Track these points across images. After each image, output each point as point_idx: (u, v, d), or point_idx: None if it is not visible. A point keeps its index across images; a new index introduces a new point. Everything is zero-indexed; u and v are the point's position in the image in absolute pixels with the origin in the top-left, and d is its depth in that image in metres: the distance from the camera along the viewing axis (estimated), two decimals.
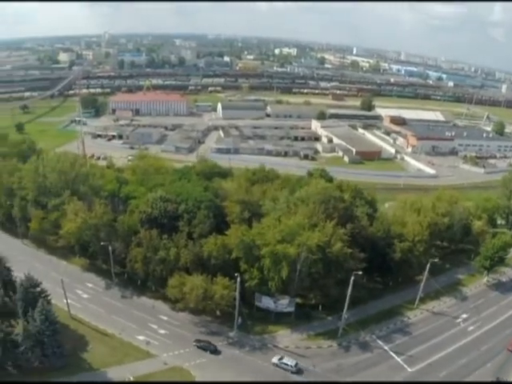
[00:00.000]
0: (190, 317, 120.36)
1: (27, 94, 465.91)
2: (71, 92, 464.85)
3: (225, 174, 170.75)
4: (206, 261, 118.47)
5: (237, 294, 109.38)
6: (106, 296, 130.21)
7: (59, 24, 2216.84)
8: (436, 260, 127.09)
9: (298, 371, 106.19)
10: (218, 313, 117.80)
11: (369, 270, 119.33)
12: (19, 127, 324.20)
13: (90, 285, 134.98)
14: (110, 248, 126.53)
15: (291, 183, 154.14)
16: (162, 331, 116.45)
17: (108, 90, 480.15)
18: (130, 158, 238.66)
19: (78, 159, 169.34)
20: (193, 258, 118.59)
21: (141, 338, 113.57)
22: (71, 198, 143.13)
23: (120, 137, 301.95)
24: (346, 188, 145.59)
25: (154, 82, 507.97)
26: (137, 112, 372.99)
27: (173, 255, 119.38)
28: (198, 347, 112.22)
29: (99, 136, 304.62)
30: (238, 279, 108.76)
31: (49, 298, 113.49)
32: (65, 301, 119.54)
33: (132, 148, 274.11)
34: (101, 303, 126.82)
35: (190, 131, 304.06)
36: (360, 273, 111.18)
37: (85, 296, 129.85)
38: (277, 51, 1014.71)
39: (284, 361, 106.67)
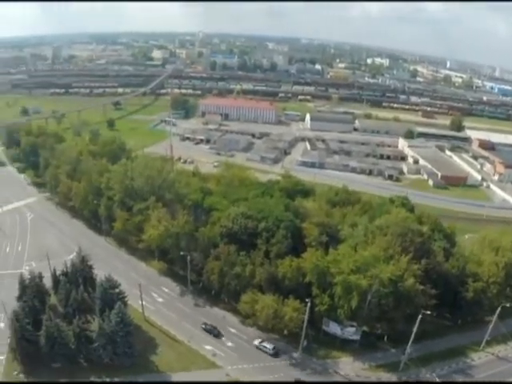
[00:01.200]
0: (258, 332, 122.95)
1: (120, 89, 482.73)
2: (163, 91, 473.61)
3: (307, 191, 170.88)
4: (279, 281, 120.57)
5: (305, 317, 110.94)
6: (180, 302, 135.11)
7: (154, 20, 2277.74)
8: (508, 305, 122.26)
9: (276, 354, 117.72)
10: (285, 332, 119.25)
11: (439, 306, 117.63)
12: (110, 123, 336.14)
13: (165, 289, 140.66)
14: (188, 258, 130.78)
15: (372, 209, 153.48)
16: (230, 343, 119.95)
17: (199, 92, 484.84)
18: (215, 164, 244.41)
19: (165, 165, 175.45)
20: (267, 277, 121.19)
21: (208, 347, 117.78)
22: (156, 203, 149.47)
23: (208, 141, 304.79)
24: (426, 220, 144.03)
25: (245, 86, 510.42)
26: (226, 117, 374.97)
27: (248, 272, 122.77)
28: (204, 329, 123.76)
29: (187, 139, 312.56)
30: (309, 304, 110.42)
31: (126, 299, 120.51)
32: (140, 302, 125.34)
33: (218, 154, 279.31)
34: (174, 308, 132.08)
35: (276, 141, 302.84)
36: (428, 312, 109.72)
37: (159, 300, 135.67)
38: (369, 61, 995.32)
39: (264, 344, 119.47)
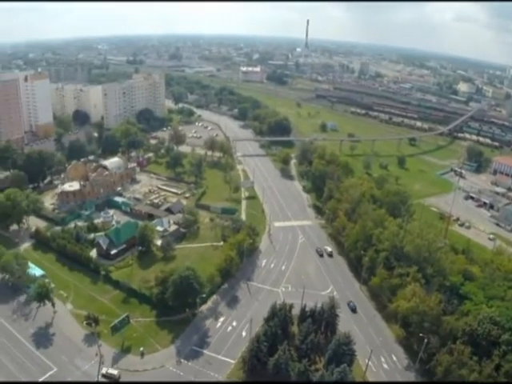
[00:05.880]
0: None
1: (419, 123, 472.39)
2: (460, 135, 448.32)
3: None
4: None
5: None
6: (402, 375, 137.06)
7: (464, 44, 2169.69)
8: None
9: (330, 254, 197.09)
10: None
11: None
12: (401, 161, 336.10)
13: (394, 357, 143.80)
14: (426, 340, 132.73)
15: None
16: None
17: (497, 144, 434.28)
18: (491, 236, 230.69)
19: (436, 239, 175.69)
20: None
21: None
22: (416, 274, 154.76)
23: (491, 207, 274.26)
24: None
25: None
26: None
27: (472, 379, 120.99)
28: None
29: (471, 198, 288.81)
30: None
31: (354, 356, 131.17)
32: (366, 361, 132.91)
33: (498, 225, 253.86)
34: (394, 380, 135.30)
35: None
36: None
37: (385, 366, 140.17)
38: None
39: (324, 248, 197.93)
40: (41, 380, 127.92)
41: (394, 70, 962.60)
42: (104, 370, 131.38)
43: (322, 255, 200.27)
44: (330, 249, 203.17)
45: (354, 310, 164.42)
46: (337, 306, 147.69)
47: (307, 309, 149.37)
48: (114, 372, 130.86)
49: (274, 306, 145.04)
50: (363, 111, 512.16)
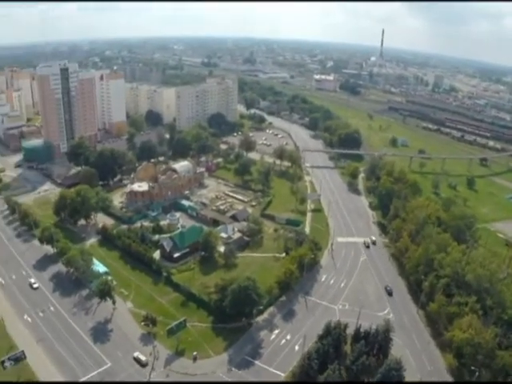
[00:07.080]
0: None
1: (491, 142, 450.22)
2: None
3: None
4: None
5: None
6: None
7: None
8: None
9: (374, 243, 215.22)
10: None
11: None
12: (470, 182, 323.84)
13: None
14: (477, 373, 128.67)
15: None
16: None
17: None
18: None
19: (498, 270, 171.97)
20: None
21: None
22: (475, 304, 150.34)
23: None
24: None
25: None
26: None
27: None
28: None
29: None
30: None
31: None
32: None
33: None
34: None
35: None
36: None
37: None
38: None
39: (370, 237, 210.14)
40: (95, 373, 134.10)
41: (469, 85, 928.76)
42: (135, 354, 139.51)
43: (368, 247, 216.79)
44: (374, 237, 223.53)
45: (390, 294, 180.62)
46: (391, 329, 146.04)
47: (362, 329, 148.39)
48: (143, 358, 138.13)
49: (328, 323, 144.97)
50: (435, 127, 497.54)
